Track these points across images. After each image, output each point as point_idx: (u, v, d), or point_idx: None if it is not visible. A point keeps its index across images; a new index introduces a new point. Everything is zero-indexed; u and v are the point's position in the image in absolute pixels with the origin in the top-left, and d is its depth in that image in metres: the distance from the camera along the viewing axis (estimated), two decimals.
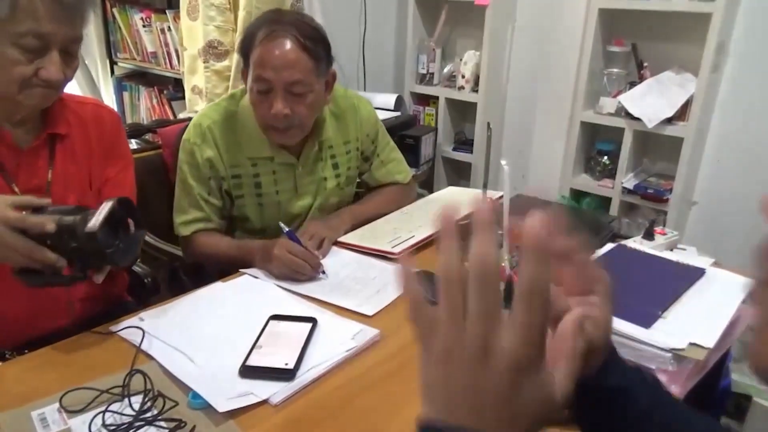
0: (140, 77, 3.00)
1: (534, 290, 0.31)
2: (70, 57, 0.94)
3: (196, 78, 2.25)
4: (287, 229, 1.16)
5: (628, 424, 0.45)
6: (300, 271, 1.09)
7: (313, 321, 0.94)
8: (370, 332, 0.93)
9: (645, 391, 0.46)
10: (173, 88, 2.80)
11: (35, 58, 0.89)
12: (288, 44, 1.13)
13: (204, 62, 2.19)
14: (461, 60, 2.50)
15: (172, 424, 0.71)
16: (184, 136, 1.28)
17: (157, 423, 0.71)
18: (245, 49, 1.18)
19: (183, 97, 2.58)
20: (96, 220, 0.80)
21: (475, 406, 0.32)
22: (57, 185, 1.00)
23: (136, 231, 0.89)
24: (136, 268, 1.32)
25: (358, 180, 1.48)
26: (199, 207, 1.26)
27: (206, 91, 2.23)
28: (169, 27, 2.61)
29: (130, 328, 0.92)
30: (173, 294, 1.08)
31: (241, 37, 1.23)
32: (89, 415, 0.72)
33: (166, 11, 2.60)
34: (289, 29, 1.13)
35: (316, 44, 1.16)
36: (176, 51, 2.59)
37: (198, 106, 2.28)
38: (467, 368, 0.31)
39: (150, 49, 2.76)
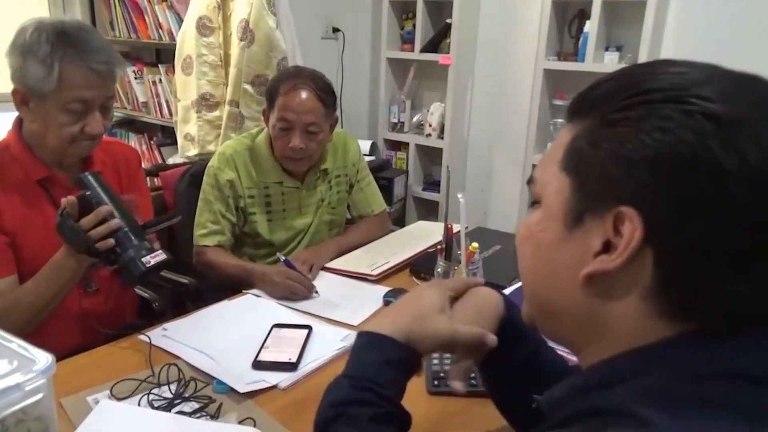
0: (129, 125, 3.20)
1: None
2: (107, 110, 1.15)
3: (188, 126, 2.47)
4: (284, 258, 1.37)
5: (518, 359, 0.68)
6: (297, 292, 1.29)
7: (309, 328, 1.14)
8: (356, 336, 1.14)
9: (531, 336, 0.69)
10: (162, 135, 3.01)
11: (79, 118, 1.09)
12: (308, 94, 1.43)
13: (197, 112, 2.41)
14: (428, 110, 2.81)
15: (204, 401, 0.89)
16: (209, 164, 1.55)
17: (192, 400, 0.90)
18: (271, 95, 1.47)
19: (172, 143, 2.78)
20: (148, 261, 1.01)
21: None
22: None
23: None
24: (144, 294, 1.50)
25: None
26: (216, 221, 1.50)
27: (198, 138, 2.44)
28: (160, 79, 2.84)
29: (156, 335, 1.10)
30: (177, 317, 1.23)
31: (267, 86, 1.53)
32: (135, 398, 0.90)
33: (159, 65, 2.84)
34: (308, 83, 1.44)
35: (327, 95, 1.47)
36: (167, 101, 2.81)
37: (190, 152, 2.48)
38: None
39: (141, 99, 2.98)
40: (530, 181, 0.52)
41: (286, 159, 1.50)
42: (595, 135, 0.44)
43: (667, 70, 0.44)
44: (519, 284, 1.31)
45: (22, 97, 1.09)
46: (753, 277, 0.40)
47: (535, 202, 0.51)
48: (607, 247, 0.43)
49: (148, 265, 1.01)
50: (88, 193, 1.04)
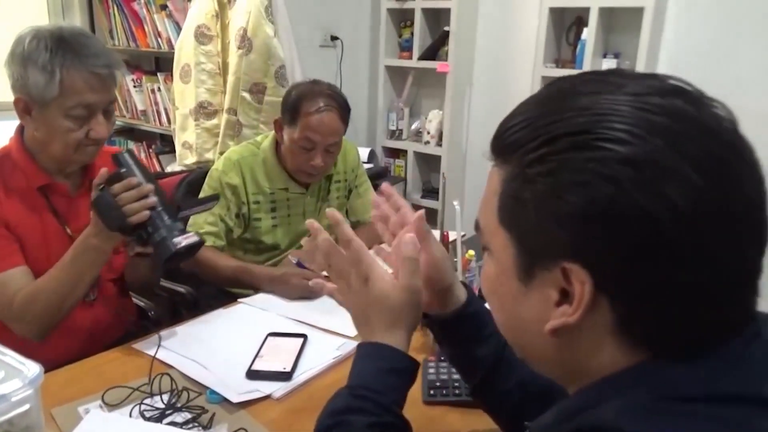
0: (128, 133, 3.20)
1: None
2: (110, 114, 1.14)
3: (186, 134, 2.47)
4: (296, 260, 1.39)
5: (481, 340, 0.70)
6: (315, 291, 1.29)
7: (304, 336, 1.13)
8: (351, 345, 1.12)
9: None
10: (161, 143, 3.01)
11: (84, 123, 1.09)
12: (333, 116, 1.46)
13: (195, 120, 2.41)
14: (426, 118, 2.81)
15: (196, 411, 0.88)
16: (213, 167, 1.56)
17: (184, 411, 0.88)
18: (292, 111, 1.46)
19: (171, 152, 2.78)
20: (180, 242, 0.99)
21: (358, 316, 0.68)
22: None
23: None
24: (140, 303, 1.49)
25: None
26: (214, 223, 1.51)
27: (196, 146, 2.44)
28: (159, 88, 2.84)
29: (151, 345, 1.09)
30: (173, 326, 1.22)
31: (287, 100, 1.50)
32: (126, 408, 0.89)
33: (157, 73, 2.84)
34: (332, 103, 1.46)
35: (346, 112, 1.50)
36: (166, 109, 2.82)
37: (188, 160, 2.48)
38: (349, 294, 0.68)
39: (140, 107, 2.98)
40: (477, 228, 0.52)
41: (302, 173, 1.52)
42: (519, 190, 0.44)
43: (571, 105, 0.42)
44: None
45: (24, 106, 1.08)
46: (710, 297, 0.40)
47: (486, 248, 0.51)
48: (565, 293, 0.43)
49: (178, 246, 0.98)
50: (123, 170, 1.02)
